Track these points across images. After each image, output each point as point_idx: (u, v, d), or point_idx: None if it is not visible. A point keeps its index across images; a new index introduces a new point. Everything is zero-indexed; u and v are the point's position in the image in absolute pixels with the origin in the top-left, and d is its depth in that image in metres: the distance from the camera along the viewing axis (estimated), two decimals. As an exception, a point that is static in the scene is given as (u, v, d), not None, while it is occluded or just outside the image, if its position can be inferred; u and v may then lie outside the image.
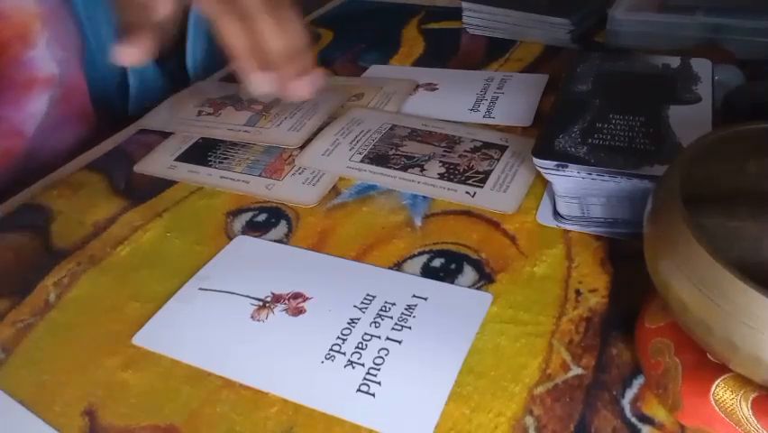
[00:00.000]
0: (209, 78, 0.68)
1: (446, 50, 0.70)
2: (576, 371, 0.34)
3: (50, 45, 0.56)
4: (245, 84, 0.46)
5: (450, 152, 0.51)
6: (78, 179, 0.53)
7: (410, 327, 0.37)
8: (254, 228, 0.46)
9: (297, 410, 0.34)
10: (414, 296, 0.39)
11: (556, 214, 0.44)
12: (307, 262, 0.43)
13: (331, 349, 0.36)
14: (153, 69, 0.66)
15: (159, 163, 0.54)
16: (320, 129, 0.55)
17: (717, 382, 0.29)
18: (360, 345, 0.36)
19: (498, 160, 0.50)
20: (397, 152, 0.52)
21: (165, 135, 0.57)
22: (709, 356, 0.30)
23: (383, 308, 0.38)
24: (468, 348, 0.36)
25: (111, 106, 0.60)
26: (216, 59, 0.66)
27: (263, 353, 0.37)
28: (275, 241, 0.45)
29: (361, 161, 0.51)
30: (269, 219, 0.47)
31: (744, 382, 0.29)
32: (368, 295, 0.39)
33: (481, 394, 0.33)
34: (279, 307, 0.39)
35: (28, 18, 0.55)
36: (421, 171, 0.49)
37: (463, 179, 0.48)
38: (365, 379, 0.34)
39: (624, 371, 0.34)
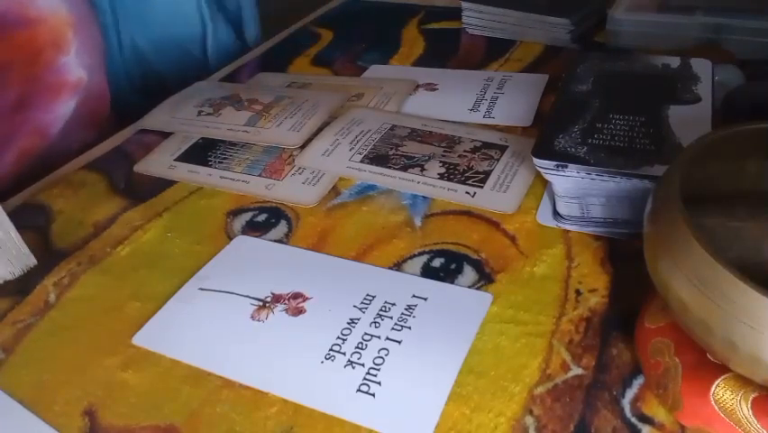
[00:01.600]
0: (209, 78, 0.68)
1: (446, 50, 0.70)
2: (576, 371, 0.34)
3: (79, 52, 0.59)
4: None
5: (450, 152, 0.51)
6: (78, 179, 0.53)
7: (410, 327, 0.37)
8: (254, 228, 0.46)
9: (297, 410, 0.34)
10: (414, 296, 0.39)
11: (556, 214, 0.44)
12: (307, 262, 0.43)
13: (331, 349, 0.36)
14: (228, 30, 0.73)
15: (159, 163, 0.54)
16: (320, 129, 0.55)
17: (717, 382, 0.29)
18: (360, 345, 0.36)
19: (498, 160, 0.50)
20: (397, 152, 0.52)
21: (165, 135, 0.57)
22: (709, 356, 0.30)
23: (383, 308, 0.38)
24: (468, 348, 0.36)
25: (128, 110, 0.61)
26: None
27: (263, 353, 0.37)
28: (275, 241, 0.45)
29: (361, 161, 0.51)
30: (269, 219, 0.47)
31: (744, 382, 0.29)
32: (368, 295, 0.39)
33: (481, 394, 0.33)
34: (279, 307, 0.39)
35: (62, 26, 0.58)
36: (421, 171, 0.49)
37: (463, 179, 0.48)
38: (365, 379, 0.34)
39: (624, 371, 0.34)
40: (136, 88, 0.73)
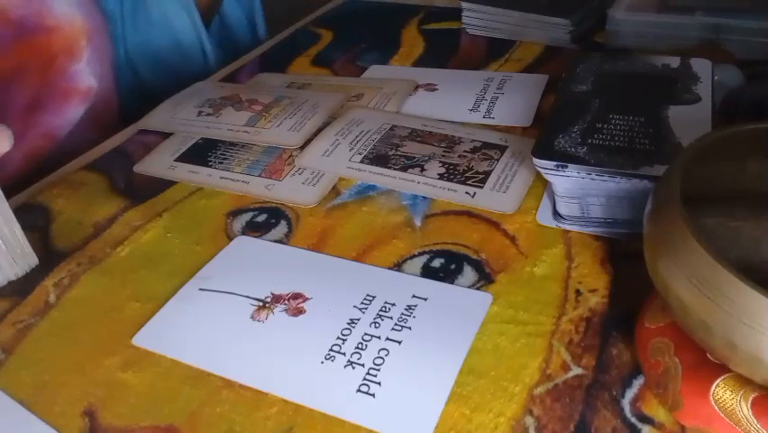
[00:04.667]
0: (209, 79, 0.68)
1: (446, 50, 0.70)
2: (576, 371, 0.34)
3: (90, 60, 0.61)
4: None
5: (450, 153, 0.51)
6: (78, 179, 0.53)
7: (410, 328, 0.37)
8: (254, 228, 0.46)
9: (297, 411, 0.34)
10: (414, 296, 0.39)
11: (556, 214, 0.44)
12: (307, 263, 0.43)
13: (331, 349, 0.36)
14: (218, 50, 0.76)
15: (159, 163, 0.54)
16: (320, 129, 0.55)
17: (717, 382, 0.29)
18: (360, 346, 0.36)
19: (498, 160, 0.50)
20: (397, 153, 0.52)
21: (165, 135, 0.57)
22: (709, 356, 0.30)
23: (383, 309, 0.38)
24: (468, 348, 0.36)
25: (136, 119, 0.61)
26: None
27: (263, 353, 0.37)
28: (275, 241, 0.45)
29: (361, 162, 0.51)
30: (269, 219, 0.47)
31: (744, 382, 0.29)
32: (368, 295, 0.39)
33: (481, 394, 0.33)
34: (279, 307, 0.39)
35: (76, 34, 0.60)
36: (421, 172, 0.49)
37: (463, 179, 0.48)
38: (365, 379, 0.34)
39: (624, 371, 0.34)
40: (142, 97, 0.74)
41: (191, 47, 0.74)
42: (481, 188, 0.47)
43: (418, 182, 0.48)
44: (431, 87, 0.62)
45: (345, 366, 0.35)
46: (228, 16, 0.80)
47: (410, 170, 0.49)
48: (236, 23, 0.81)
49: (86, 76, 0.61)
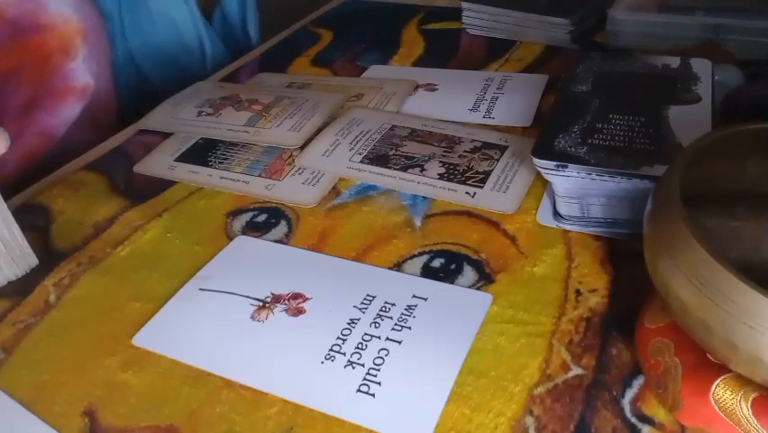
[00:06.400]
0: (210, 78, 0.68)
1: (446, 50, 0.70)
2: (576, 371, 0.34)
3: (86, 59, 0.61)
4: None
5: (450, 153, 0.51)
6: (78, 179, 0.53)
7: (410, 328, 0.37)
8: (254, 228, 0.46)
9: (297, 410, 0.34)
10: (414, 296, 0.39)
11: (556, 214, 0.44)
12: (307, 263, 0.43)
13: (331, 349, 0.36)
14: (220, 44, 0.75)
15: (159, 163, 0.54)
16: (320, 129, 0.55)
17: (717, 382, 0.29)
18: (360, 346, 0.36)
19: (498, 160, 0.50)
20: (397, 153, 0.52)
21: (165, 135, 0.57)
22: (709, 356, 0.30)
23: (383, 309, 0.38)
24: (468, 348, 0.36)
25: (136, 118, 0.62)
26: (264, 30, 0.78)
27: (263, 353, 0.37)
28: (275, 241, 0.45)
29: (361, 162, 0.51)
30: (269, 219, 0.47)
31: (744, 382, 0.29)
32: (368, 295, 0.39)
33: (481, 394, 0.33)
34: (279, 307, 0.39)
35: (71, 32, 0.60)
36: (421, 172, 0.49)
37: (463, 179, 0.48)
38: (365, 379, 0.34)
39: (624, 371, 0.34)
40: (141, 96, 0.74)
41: (191, 39, 0.74)
42: (481, 188, 0.47)
43: (418, 182, 0.48)
44: (431, 87, 0.62)
45: (345, 366, 0.35)
46: (228, 9, 0.80)
47: (410, 170, 0.49)
48: (235, 17, 0.81)
49: (83, 74, 0.61)
